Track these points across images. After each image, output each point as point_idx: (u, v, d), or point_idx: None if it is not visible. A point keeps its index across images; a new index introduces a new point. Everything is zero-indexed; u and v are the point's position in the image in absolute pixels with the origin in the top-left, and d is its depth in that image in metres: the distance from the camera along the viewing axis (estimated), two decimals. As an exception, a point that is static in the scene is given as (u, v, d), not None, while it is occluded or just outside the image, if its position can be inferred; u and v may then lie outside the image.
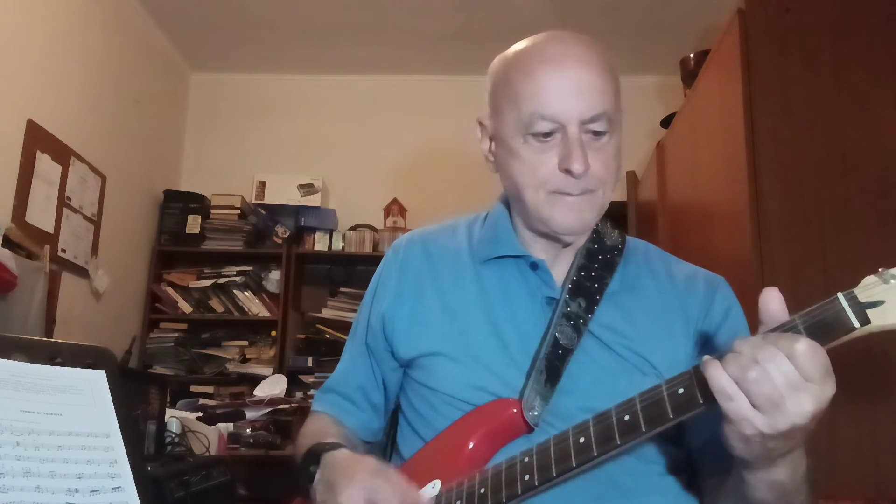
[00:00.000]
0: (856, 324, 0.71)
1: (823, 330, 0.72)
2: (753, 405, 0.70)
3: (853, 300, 0.71)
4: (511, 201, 1.06)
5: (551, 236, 1.01)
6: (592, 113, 0.93)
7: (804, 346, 0.69)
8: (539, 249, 1.04)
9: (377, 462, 0.91)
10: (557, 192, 0.96)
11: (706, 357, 0.75)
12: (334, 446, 0.96)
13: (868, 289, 0.71)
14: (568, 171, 0.93)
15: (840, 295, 0.72)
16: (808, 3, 1.98)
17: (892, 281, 0.71)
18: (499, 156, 1.02)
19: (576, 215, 0.96)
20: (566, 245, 1.03)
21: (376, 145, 4.23)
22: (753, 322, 0.80)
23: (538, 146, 0.95)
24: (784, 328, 0.73)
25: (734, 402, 0.71)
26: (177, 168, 4.26)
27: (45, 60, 2.94)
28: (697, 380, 0.75)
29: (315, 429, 1.08)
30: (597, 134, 0.94)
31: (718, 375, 0.72)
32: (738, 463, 0.78)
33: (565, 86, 0.93)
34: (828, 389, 0.70)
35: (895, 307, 0.70)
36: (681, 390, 0.77)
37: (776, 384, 0.69)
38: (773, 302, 0.75)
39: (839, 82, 1.91)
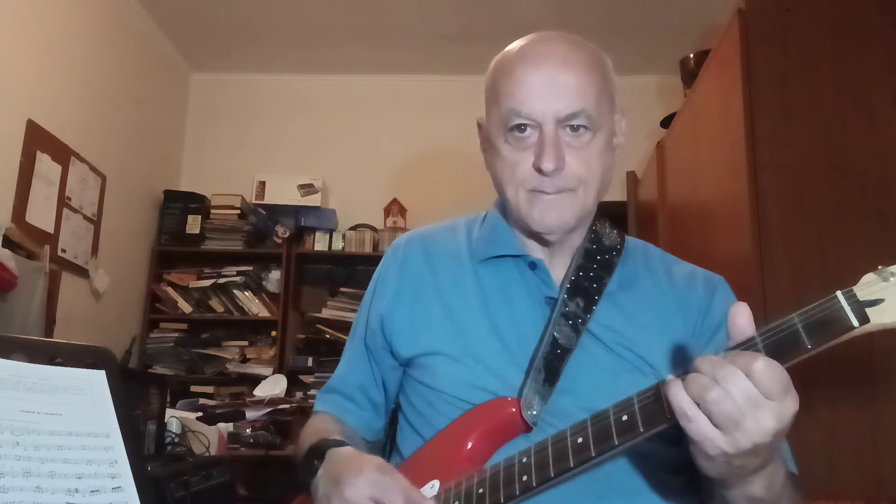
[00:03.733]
0: (855, 322, 0.70)
1: (822, 328, 0.71)
2: (715, 425, 0.70)
3: (852, 298, 0.71)
4: (501, 199, 1.06)
5: (536, 235, 1.01)
6: (568, 111, 0.93)
7: (762, 364, 0.69)
8: (535, 248, 1.05)
9: (382, 460, 0.91)
10: (534, 190, 0.96)
11: (668, 377, 0.75)
12: (339, 443, 0.96)
13: (867, 287, 0.71)
14: (539, 170, 0.94)
15: (839, 293, 0.71)
16: (808, 3, 1.98)
17: (892, 279, 0.70)
18: (488, 155, 1.04)
19: (554, 214, 0.97)
20: (549, 244, 1.03)
21: (376, 145, 4.23)
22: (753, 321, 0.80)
23: (516, 144, 0.96)
24: (782, 329, 0.73)
25: (695, 423, 0.71)
26: (177, 168, 4.26)
27: (45, 60, 2.95)
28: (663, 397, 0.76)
29: (317, 427, 1.08)
30: (575, 131, 0.94)
31: (678, 396, 0.72)
32: (713, 480, 0.79)
33: (540, 84, 0.94)
34: (789, 406, 0.70)
35: (895, 305, 0.69)
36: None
37: (736, 403, 0.69)
38: (740, 316, 0.75)
39: (839, 82, 1.91)
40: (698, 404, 0.71)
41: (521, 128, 0.95)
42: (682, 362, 0.95)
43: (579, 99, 0.93)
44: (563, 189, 0.96)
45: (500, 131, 0.97)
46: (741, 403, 0.69)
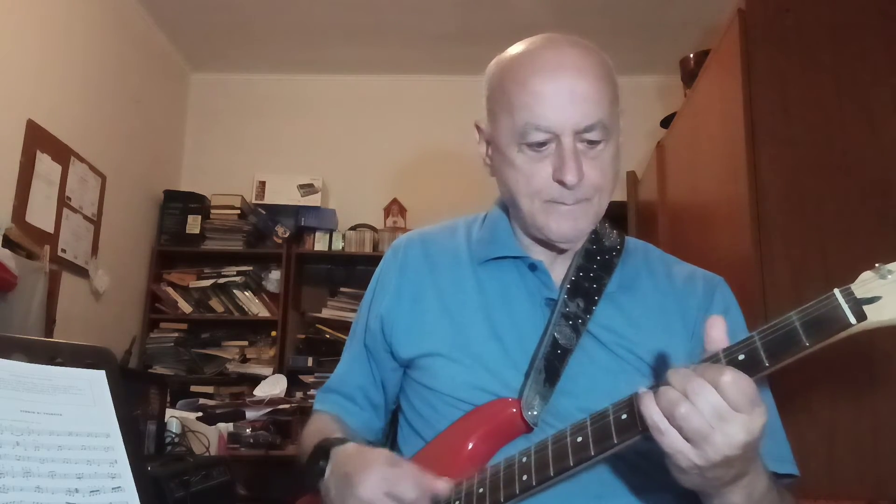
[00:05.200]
0: (852, 320, 0.70)
1: (819, 326, 0.71)
2: (685, 438, 0.71)
3: (850, 296, 0.71)
4: (508, 206, 1.06)
5: (547, 243, 1.01)
6: (587, 123, 0.92)
7: (729, 377, 0.70)
8: (537, 251, 1.05)
9: (389, 452, 0.91)
10: (552, 201, 0.96)
11: (641, 390, 0.76)
12: (342, 441, 0.96)
13: (865, 284, 0.71)
14: (561, 182, 0.93)
15: (836, 291, 0.71)
16: (808, 3, 1.98)
17: (889, 276, 0.70)
18: (495, 161, 1.03)
19: (571, 224, 0.97)
20: (562, 252, 1.03)
21: (376, 145, 4.23)
22: (753, 322, 0.80)
23: (533, 155, 0.95)
24: (779, 327, 0.73)
25: (666, 436, 0.72)
26: (177, 168, 4.26)
27: (45, 60, 2.94)
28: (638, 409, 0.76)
29: (319, 427, 1.08)
30: (592, 143, 0.94)
31: (650, 410, 0.73)
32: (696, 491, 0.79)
33: (559, 96, 0.92)
34: (756, 418, 0.71)
35: (892, 302, 0.69)
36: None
37: (704, 417, 0.70)
38: (714, 329, 0.76)
39: (839, 82, 1.91)
40: (668, 419, 0.72)
41: (539, 141, 0.94)
42: (681, 363, 0.96)
43: (596, 109, 0.93)
44: (581, 199, 0.95)
45: (513, 141, 0.96)
46: (709, 417, 0.70)
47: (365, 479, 0.85)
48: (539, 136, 0.93)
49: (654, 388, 0.75)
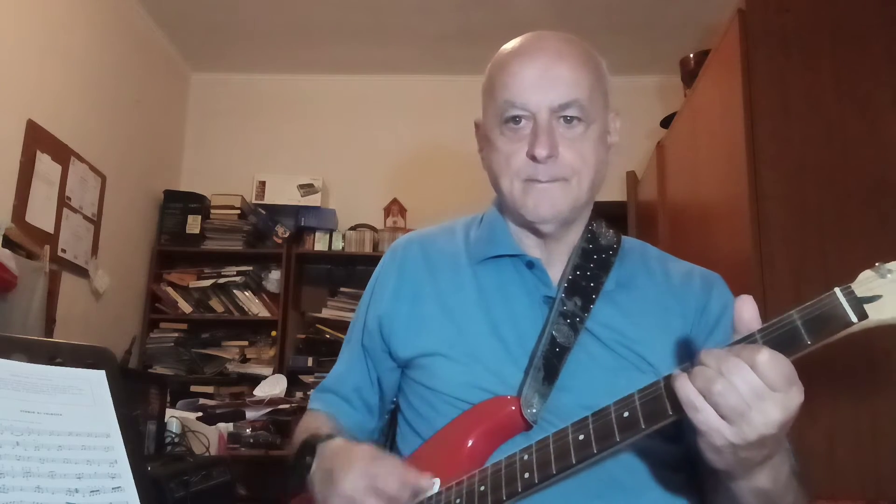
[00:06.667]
0: (853, 318, 0.71)
1: (821, 325, 0.71)
2: (721, 416, 0.71)
3: (850, 295, 0.71)
4: (496, 193, 1.07)
5: (532, 228, 1.02)
6: (561, 100, 0.95)
7: (766, 357, 0.70)
8: (532, 247, 1.05)
9: (373, 448, 0.92)
10: (528, 179, 0.97)
11: (675, 371, 0.75)
12: (329, 436, 0.97)
13: (865, 283, 0.72)
14: (534, 158, 0.95)
15: (837, 290, 0.72)
16: (808, 3, 1.98)
17: (889, 275, 0.71)
18: (484, 152, 1.05)
19: (548, 203, 0.97)
20: (544, 236, 1.03)
21: (376, 145, 4.23)
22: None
23: (511, 136, 0.98)
24: (781, 325, 0.73)
25: (702, 413, 0.72)
26: (177, 168, 4.26)
27: (45, 60, 2.95)
28: (667, 391, 0.76)
29: (309, 424, 1.09)
30: (569, 122, 0.96)
31: (685, 388, 0.73)
32: (720, 473, 0.79)
33: (534, 75, 0.96)
34: (793, 397, 0.71)
35: (893, 301, 0.70)
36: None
37: (741, 395, 0.70)
38: (746, 311, 0.76)
39: (839, 82, 1.91)
40: (705, 397, 0.71)
41: (515, 119, 0.97)
42: (680, 359, 0.96)
43: (572, 89, 0.95)
44: (557, 177, 0.97)
45: (496, 124, 0.99)
46: (746, 395, 0.70)
47: (346, 475, 0.86)
48: (514, 111, 0.96)
49: (686, 369, 0.75)
